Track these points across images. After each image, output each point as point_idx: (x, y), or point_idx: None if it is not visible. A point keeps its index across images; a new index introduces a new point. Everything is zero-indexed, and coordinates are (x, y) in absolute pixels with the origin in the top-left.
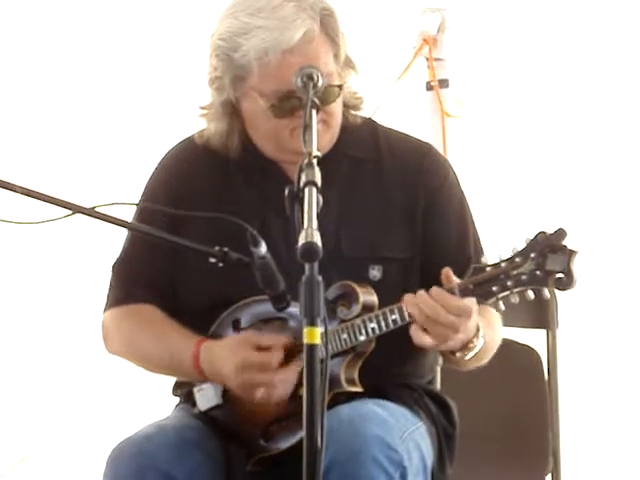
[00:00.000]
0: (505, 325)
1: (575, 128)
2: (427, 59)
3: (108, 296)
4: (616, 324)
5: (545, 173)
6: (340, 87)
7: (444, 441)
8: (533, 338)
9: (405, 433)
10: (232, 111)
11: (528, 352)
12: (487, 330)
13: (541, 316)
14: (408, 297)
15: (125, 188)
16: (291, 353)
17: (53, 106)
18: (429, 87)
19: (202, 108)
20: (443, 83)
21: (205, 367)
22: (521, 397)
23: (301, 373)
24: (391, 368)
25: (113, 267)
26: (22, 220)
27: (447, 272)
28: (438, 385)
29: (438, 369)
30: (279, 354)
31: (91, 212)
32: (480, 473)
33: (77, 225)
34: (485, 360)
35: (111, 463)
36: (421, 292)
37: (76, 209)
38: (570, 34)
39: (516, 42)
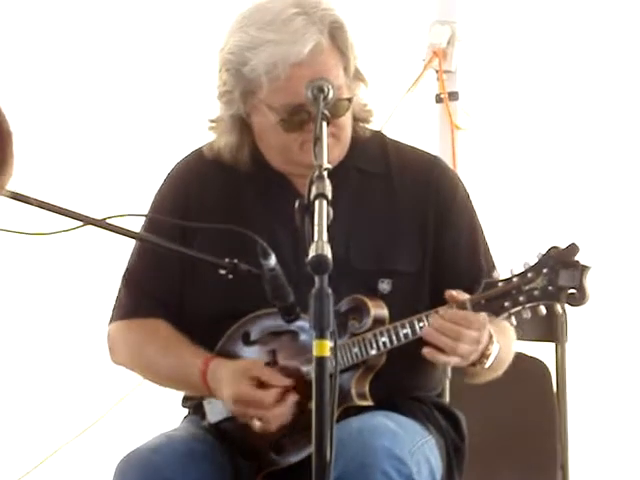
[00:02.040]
0: None
1: (586, 141)
2: (437, 71)
3: (114, 308)
4: (625, 338)
5: (556, 186)
6: (350, 100)
7: (453, 454)
8: (542, 351)
9: (414, 446)
10: (242, 125)
11: (537, 365)
12: (500, 337)
13: (550, 329)
14: (427, 330)
15: (135, 200)
16: (293, 371)
17: (65, 119)
18: (439, 99)
19: (211, 121)
20: (453, 96)
21: (211, 385)
22: (530, 410)
23: (306, 387)
24: (401, 381)
25: (122, 279)
26: (34, 231)
27: (450, 294)
28: (447, 398)
29: (447, 382)
30: (276, 393)
31: (102, 224)
32: None
33: (88, 236)
34: (500, 371)
35: (119, 474)
36: (437, 318)
37: (87, 220)
38: (581, 48)
39: (526, 55)
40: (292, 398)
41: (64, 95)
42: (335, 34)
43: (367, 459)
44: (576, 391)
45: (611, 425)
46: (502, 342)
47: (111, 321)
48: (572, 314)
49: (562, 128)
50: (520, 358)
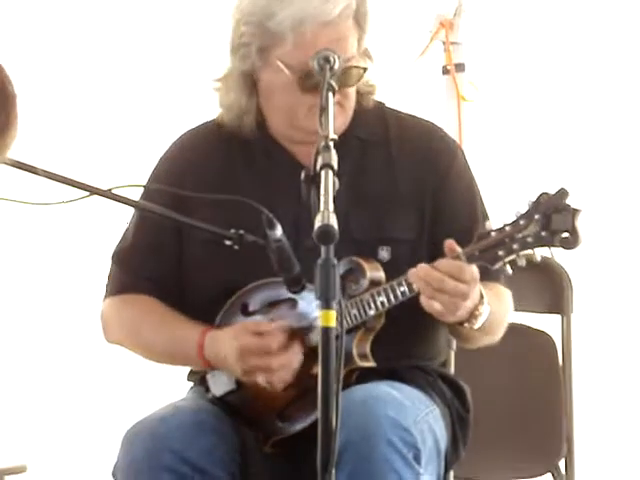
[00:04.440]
0: (519, 310)
1: (591, 114)
2: (444, 43)
3: (108, 284)
4: (631, 310)
5: (561, 157)
6: (365, 70)
7: (457, 425)
8: (548, 323)
9: (419, 416)
10: (251, 84)
11: (542, 337)
12: (493, 300)
13: (556, 301)
14: (412, 271)
15: (139, 171)
16: (295, 336)
17: (70, 91)
18: (445, 71)
19: (217, 80)
20: (459, 67)
21: (211, 357)
22: (535, 382)
23: (309, 353)
24: (404, 349)
25: (114, 255)
26: (39, 201)
27: (450, 243)
28: (452, 369)
29: (452, 353)
30: (278, 338)
31: (108, 194)
32: (493, 457)
33: (94, 207)
34: (495, 336)
35: (126, 444)
36: (423, 265)
37: (93, 191)
38: (587, 19)
39: (532, 27)
40: (296, 348)
41: (68, 67)
42: (358, 4)
43: (371, 428)
44: (582, 363)
45: (617, 397)
46: (495, 305)
47: (105, 297)
48: (578, 286)
49: (567, 99)
50: (526, 330)
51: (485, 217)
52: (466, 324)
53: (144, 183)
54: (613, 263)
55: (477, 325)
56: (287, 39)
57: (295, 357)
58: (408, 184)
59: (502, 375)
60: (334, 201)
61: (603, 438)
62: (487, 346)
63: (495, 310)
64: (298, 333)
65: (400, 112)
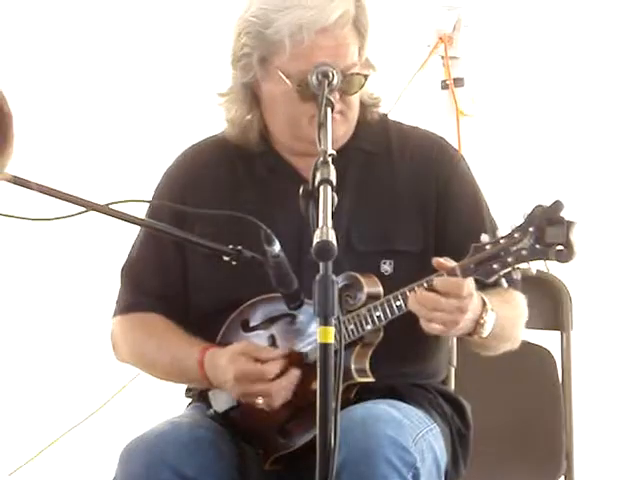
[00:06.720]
0: None
1: (590, 128)
2: (442, 57)
3: (117, 302)
4: (630, 326)
5: (560, 171)
6: (366, 77)
7: (458, 442)
8: (547, 340)
9: (418, 434)
10: (252, 96)
11: (542, 353)
12: (501, 306)
13: (555, 318)
14: (411, 297)
15: (138, 187)
16: (292, 360)
17: (68, 103)
18: (444, 86)
19: (221, 95)
20: (458, 82)
21: (210, 375)
22: (535, 398)
23: (308, 369)
24: (404, 367)
25: (122, 271)
26: (36, 217)
27: (437, 261)
28: (452, 386)
29: (452, 370)
30: (276, 365)
31: (105, 209)
32: (493, 475)
33: (91, 222)
34: (512, 340)
35: (123, 460)
36: (420, 290)
37: (91, 206)
38: (586, 34)
39: (532, 41)
40: (294, 372)
41: (67, 81)
42: (358, 13)
43: (371, 448)
44: (581, 380)
45: (616, 414)
46: (504, 311)
47: (114, 315)
48: (577, 303)
49: (566, 115)
50: (525, 346)
51: (493, 224)
52: (475, 335)
53: (143, 198)
54: (613, 280)
55: (485, 333)
56: (285, 47)
57: (294, 377)
58: (411, 196)
59: (502, 392)
60: (336, 213)
61: (603, 454)
62: (489, 362)
63: (504, 315)
64: (297, 350)
65: (403, 124)
